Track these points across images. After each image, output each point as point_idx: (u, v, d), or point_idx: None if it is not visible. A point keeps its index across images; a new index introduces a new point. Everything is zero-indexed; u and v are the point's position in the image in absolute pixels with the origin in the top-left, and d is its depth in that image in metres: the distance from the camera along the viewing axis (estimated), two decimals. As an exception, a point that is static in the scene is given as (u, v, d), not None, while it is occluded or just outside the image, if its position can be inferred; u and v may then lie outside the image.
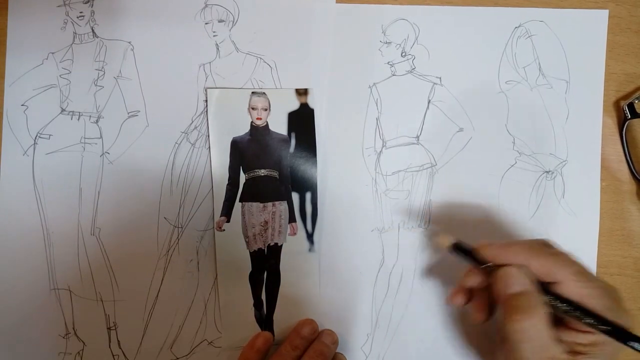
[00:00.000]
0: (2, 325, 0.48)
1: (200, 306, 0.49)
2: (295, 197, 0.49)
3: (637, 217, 0.50)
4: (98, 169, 0.49)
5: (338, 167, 0.50)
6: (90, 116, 0.49)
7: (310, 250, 0.49)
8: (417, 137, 0.50)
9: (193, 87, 0.49)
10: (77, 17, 0.49)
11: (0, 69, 0.49)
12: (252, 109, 0.49)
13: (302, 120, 0.49)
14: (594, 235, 0.50)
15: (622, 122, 0.50)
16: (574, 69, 0.50)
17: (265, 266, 0.49)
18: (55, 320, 0.48)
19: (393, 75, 0.50)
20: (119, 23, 0.49)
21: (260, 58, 0.50)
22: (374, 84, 0.50)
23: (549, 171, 0.50)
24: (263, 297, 0.49)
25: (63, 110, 0.49)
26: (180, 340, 0.49)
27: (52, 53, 0.49)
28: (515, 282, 0.38)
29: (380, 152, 0.50)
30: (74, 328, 0.48)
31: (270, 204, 0.49)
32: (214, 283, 0.49)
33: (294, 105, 0.49)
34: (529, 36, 0.50)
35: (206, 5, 0.49)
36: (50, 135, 0.49)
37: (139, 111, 0.49)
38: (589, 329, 0.37)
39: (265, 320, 0.49)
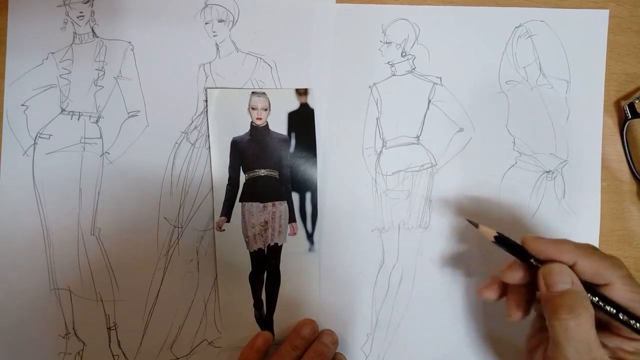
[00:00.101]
0: (2, 325, 0.48)
1: (200, 306, 0.49)
2: (295, 197, 0.49)
3: (637, 217, 0.50)
4: (98, 169, 0.49)
5: (338, 167, 0.50)
6: (90, 116, 0.49)
7: (310, 250, 0.49)
8: (417, 137, 0.50)
9: (193, 87, 0.49)
10: (77, 17, 0.49)
11: (0, 69, 0.49)
12: (252, 109, 0.49)
13: (302, 120, 0.49)
14: (594, 236, 0.50)
15: (622, 122, 0.50)
16: (575, 68, 0.50)
17: (265, 266, 0.49)
18: (55, 320, 0.48)
19: (393, 75, 0.50)
20: (119, 23, 0.49)
21: (260, 58, 0.50)
22: (374, 84, 0.50)
23: (549, 171, 0.50)
24: (263, 297, 0.49)
25: (63, 110, 0.49)
26: (180, 340, 0.49)
27: (52, 53, 0.49)
28: (562, 279, 0.37)
29: (380, 152, 0.50)
30: (74, 328, 0.48)
31: (270, 204, 0.49)
32: (214, 283, 0.49)
33: (294, 105, 0.49)
34: (529, 36, 0.50)
35: (206, 5, 0.49)
36: (50, 135, 0.49)
37: (139, 111, 0.49)
38: (634, 335, 0.36)
39: (265, 320, 0.49)
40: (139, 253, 0.48)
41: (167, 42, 0.49)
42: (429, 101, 0.50)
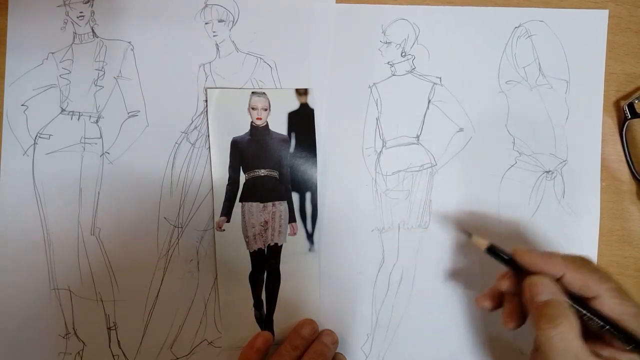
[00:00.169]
0: (2, 325, 0.48)
1: (200, 306, 0.49)
2: (295, 197, 0.49)
3: (637, 217, 0.50)
4: (98, 169, 0.49)
5: (338, 167, 0.50)
6: (90, 116, 0.49)
7: (310, 250, 0.49)
8: (417, 137, 0.50)
9: (193, 87, 0.49)
10: (77, 17, 0.49)
11: (0, 69, 0.49)
12: (252, 109, 0.49)
13: (302, 120, 0.49)
14: (594, 236, 0.50)
15: (622, 122, 0.50)
16: (574, 69, 0.50)
17: (265, 266, 0.49)
18: (55, 320, 0.48)
19: (393, 75, 0.50)
20: (119, 23, 0.49)
21: (260, 58, 0.50)
22: (374, 84, 0.50)
23: (549, 171, 0.50)
24: (263, 297, 0.49)
25: (63, 110, 0.49)
26: (180, 340, 0.49)
27: (52, 53, 0.49)
28: (543, 290, 0.38)
29: (380, 152, 0.50)
30: (74, 328, 0.48)
31: (270, 204, 0.49)
32: (214, 283, 0.49)
33: (294, 105, 0.49)
34: (529, 36, 0.50)
35: (206, 5, 0.49)
36: (50, 135, 0.49)
37: (139, 111, 0.49)
38: (622, 345, 0.36)
39: (265, 320, 0.49)
40: (139, 253, 0.48)
41: (167, 42, 0.49)
42: (429, 101, 0.50)
